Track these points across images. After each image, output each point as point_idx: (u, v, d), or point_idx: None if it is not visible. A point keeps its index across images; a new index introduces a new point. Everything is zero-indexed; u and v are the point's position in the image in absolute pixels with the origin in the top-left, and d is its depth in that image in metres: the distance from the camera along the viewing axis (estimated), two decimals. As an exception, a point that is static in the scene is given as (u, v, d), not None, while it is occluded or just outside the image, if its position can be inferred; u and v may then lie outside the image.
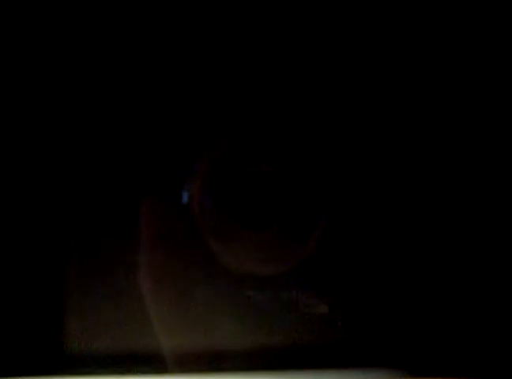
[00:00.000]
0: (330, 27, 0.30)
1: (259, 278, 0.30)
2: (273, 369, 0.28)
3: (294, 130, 0.30)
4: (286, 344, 0.29)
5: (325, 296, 0.30)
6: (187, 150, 0.30)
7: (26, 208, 0.30)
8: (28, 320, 0.29)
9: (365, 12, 0.30)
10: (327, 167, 0.30)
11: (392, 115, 0.30)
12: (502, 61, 0.30)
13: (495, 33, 0.29)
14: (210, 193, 0.30)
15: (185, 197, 0.30)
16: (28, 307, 0.30)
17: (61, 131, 0.30)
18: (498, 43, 0.29)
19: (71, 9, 0.29)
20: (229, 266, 0.29)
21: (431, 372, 0.28)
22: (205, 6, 0.30)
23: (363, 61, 0.30)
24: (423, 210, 0.30)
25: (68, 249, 0.30)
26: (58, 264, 0.30)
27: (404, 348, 0.29)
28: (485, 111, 0.30)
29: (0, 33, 0.29)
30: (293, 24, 0.30)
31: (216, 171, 0.30)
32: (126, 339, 0.30)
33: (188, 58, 0.30)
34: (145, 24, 0.30)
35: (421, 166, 0.30)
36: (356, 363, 0.28)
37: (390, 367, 0.28)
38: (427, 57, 0.30)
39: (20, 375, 0.28)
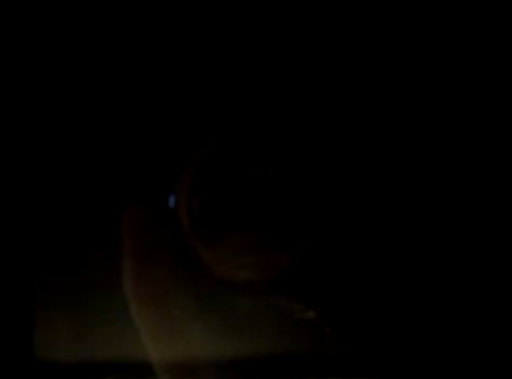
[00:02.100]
0: (327, 27, 0.29)
1: (248, 283, 0.29)
2: None
3: (285, 132, 0.30)
4: (274, 353, 0.29)
5: (315, 302, 0.30)
6: (175, 152, 0.29)
7: None
8: None
9: (365, 12, 0.29)
10: (319, 170, 0.30)
11: (386, 122, 0.30)
12: (502, 62, 0.30)
13: (495, 33, 0.29)
14: (198, 196, 0.29)
15: (172, 201, 0.29)
16: None
17: (40, 129, 0.29)
18: (498, 43, 0.29)
19: (71, 8, 0.29)
20: (217, 271, 0.29)
21: None
22: (201, 5, 0.29)
23: (358, 65, 0.30)
24: (419, 213, 0.30)
25: (40, 253, 0.29)
26: (30, 269, 0.29)
27: (397, 359, 0.29)
28: (485, 111, 0.30)
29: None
30: (289, 22, 0.29)
31: (205, 173, 0.29)
32: (102, 347, 0.29)
33: (178, 59, 0.29)
34: (138, 21, 0.29)
35: (412, 180, 0.30)
36: (347, 373, 0.28)
37: (381, 377, 0.28)
38: (427, 57, 0.30)
39: None
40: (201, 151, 0.29)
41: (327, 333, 0.29)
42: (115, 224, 0.29)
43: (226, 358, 0.28)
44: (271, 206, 0.29)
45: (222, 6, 0.29)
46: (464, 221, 0.30)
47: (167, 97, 0.29)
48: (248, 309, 0.29)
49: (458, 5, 0.29)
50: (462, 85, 0.30)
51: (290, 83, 0.30)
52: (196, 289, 0.29)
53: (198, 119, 0.29)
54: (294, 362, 0.29)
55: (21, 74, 0.29)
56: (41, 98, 0.29)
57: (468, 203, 0.30)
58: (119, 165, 0.29)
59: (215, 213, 0.29)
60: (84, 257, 0.29)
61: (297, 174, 0.30)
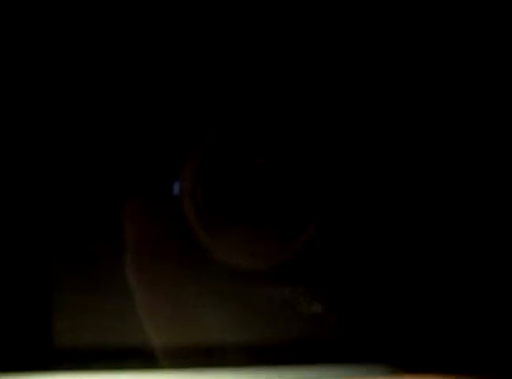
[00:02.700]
0: (331, 22, 0.30)
1: (252, 273, 0.29)
2: (264, 365, 0.28)
3: (289, 123, 0.30)
4: (277, 340, 0.29)
5: (318, 291, 0.30)
6: (179, 142, 0.30)
7: (13, 205, 0.30)
8: (17, 316, 0.29)
9: (365, 12, 0.29)
10: (323, 160, 0.30)
11: (391, 108, 0.30)
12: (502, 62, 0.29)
13: (495, 33, 0.29)
14: (202, 185, 0.29)
15: (176, 190, 0.29)
16: (18, 303, 0.29)
17: (46, 126, 0.30)
18: (498, 43, 0.29)
19: (71, 8, 0.29)
20: (221, 261, 0.29)
21: (425, 367, 0.28)
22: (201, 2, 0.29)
23: (361, 55, 0.30)
24: (419, 204, 0.30)
25: (57, 243, 0.30)
26: (47, 259, 0.30)
27: (397, 343, 0.29)
28: (485, 111, 0.30)
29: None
30: (292, 16, 0.29)
31: (209, 163, 0.30)
32: (117, 333, 0.29)
33: (180, 51, 0.30)
34: (138, 19, 0.29)
35: (420, 161, 0.30)
36: (349, 358, 0.28)
37: (383, 362, 0.28)
38: (427, 57, 0.30)
39: (9, 371, 0.28)
40: (206, 140, 0.30)
41: (331, 324, 0.29)
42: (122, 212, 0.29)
43: (231, 345, 0.29)
44: (275, 195, 0.30)
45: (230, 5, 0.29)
46: (466, 210, 0.30)
47: (172, 86, 0.30)
48: (251, 297, 0.30)
49: (458, 5, 0.29)
50: (462, 85, 0.30)
51: (292, 74, 0.30)
52: (199, 277, 0.29)
53: (203, 108, 0.30)
54: (297, 350, 0.29)
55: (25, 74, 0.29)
56: (52, 90, 0.30)
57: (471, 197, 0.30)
58: (124, 155, 0.30)
59: (219, 202, 0.29)
60: (103, 244, 0.30)
61: (301, 162, 0.30)
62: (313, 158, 0.30)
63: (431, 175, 0.30)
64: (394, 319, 0.30)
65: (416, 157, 0.30)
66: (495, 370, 0.28)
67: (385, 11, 0.29)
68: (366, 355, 0.29)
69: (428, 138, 0.30)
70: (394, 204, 0.30)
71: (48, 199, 0.30)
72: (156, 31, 0.29)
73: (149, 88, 0.30)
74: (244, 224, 0.29)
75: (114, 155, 0.30)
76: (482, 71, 0.29)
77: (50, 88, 0.30)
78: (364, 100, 0.30)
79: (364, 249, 0.30)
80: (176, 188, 0.29)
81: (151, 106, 0.30)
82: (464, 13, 0.29)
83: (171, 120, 0.30)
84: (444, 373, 0.27)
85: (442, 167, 0.30)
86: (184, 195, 0.29)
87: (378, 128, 0.30)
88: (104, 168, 0.30)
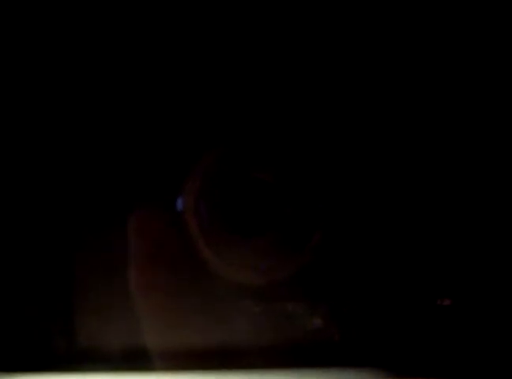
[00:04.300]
0: (329, 29, 0.30)
1: (255, 288, 0.30)
2: (262, 368, 0.28)
3: (293, 137, 0.30)
4: (276, 343, 0.29)
5: (319, 300, 0.30)
6: (183, 155, 0.30)
7: (32, 206, 0.31)
8: (35, 316, 0.30)
9: (365, 12, 0.29)
10: (326, 175, 0.30)
11: (391, 128, 0.30)
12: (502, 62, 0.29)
13: (495, 33, 0.29)
14: (206, 199, 0.30)
15: (179, 205, 0.30)
16: (36, 303, 0.30)
17: (57, 132, 0.31)
18: (499, 43, 0.29)
19: (71, 9, 0.29)
20: (223, 274, 0.30)
21: (419, 372, 0.28)
22: (205, 6, 0.30)
23: (361, 69, 0.30)
24: (425, 217, 0.30)
25: (75, 245, 0.31)
26: (66, 260, 0.31)
27: (393, 348, 0.29)
28: (485, 111, 0.29)
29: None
30: (292, 28, 0.30)
31: (212, 178, 0.30)
32: (134, 335, 0.30)
33: (184, 61, 0.30)
34: (144, 22, 0.29)
35: (418, 178, 0.30)
36: (345, 363, 0.28)
37: (378, 367, 0.28)
38: (427, 57, 0.30)
39: (26, 371, 0.28)
40: (209, 154, 0.30)
41: (330, 330, 0.30)
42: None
43: (236, 351, 0.29)
44: (278, 210, 0.30)
45: (233, 12, 0.29)
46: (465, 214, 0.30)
47: (177, 101, 0.30)
48: (252, 308, 0.30)
49: (458, 5, 0.29)
50: (462, 85, 0.29)
51: (295, 88, 0.30)
52: (202, 290, 0.30)
53: (207, 123, 0.30)
54: (294, 354, 0.29)
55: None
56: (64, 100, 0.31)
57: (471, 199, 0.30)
58: (128, 168, 0.30)
59: (222, 216, 0.30)
60: (120, 246, 0.30)
61: (304, 179, 0.30)
62: (316, 174, 0.30)
63: (438, 186, 0.30)
64: (391, 324, 0.30)
65: (422, 166, 0.30)
66: (491, 376, 0.28)
67: (385, 11, 0.29)
68: (362, 360, 0.29)
69: (436, 147, 0.30)
70: (398, 217, 0.30)
71: (69, 201, 0.31)
72: (159, 45, 0.30)
73: (153, 103, 0.30)
74: (247, 238, 0.30)
75: (119, 167, 0.30)
76: (482, 71, 0.29)
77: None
78: (367, 113, 0.30)
79: (368, 267, 0.30)
80: (179, 203, 0.30)
81: (155, 121, 0.30)
82: (464, 13, 0.29)
83: (175, 134, 0.30)
84: (439, 378, 0.28)
85: (451, 177, 0.30)
86: (187, 210, 0.30)
87: (382, 138, 0.30)
88: (108, 181, 0.31)
